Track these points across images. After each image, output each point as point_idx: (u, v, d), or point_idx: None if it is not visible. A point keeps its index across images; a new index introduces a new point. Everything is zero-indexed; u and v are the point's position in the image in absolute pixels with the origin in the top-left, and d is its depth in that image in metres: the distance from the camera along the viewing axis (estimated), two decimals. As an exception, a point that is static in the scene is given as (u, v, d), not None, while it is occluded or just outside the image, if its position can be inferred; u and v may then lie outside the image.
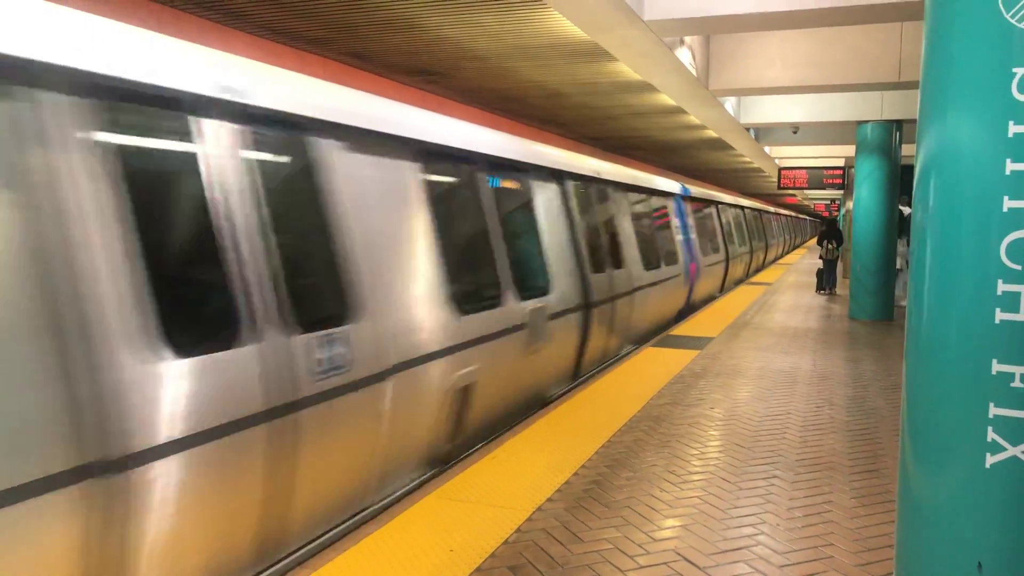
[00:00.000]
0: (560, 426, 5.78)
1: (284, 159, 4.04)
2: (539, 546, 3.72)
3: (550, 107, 12.17)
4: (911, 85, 10.28)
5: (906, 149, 13.20)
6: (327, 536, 4.16)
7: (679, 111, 12.62)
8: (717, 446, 5.36)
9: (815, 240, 30.31)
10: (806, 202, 44.30)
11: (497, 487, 4.49)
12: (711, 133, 15.35)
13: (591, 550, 3.69)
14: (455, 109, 11.44)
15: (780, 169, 18.80)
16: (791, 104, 13.67)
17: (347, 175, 4.43)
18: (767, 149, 19.27)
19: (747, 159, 21.26)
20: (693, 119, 13.39)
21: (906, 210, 16.24)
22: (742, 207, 22.56)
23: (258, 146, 3.80)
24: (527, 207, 7.16)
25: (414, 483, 4.99)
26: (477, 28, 7.30)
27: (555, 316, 7.07)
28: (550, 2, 6.18)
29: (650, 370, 7.98)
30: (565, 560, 3.58)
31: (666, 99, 11.44)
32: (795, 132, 16.83)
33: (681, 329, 11.01)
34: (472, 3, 6.49)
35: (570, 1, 6.21)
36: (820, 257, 17.26)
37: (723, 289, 17.95)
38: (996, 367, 2.27)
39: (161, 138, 3.32)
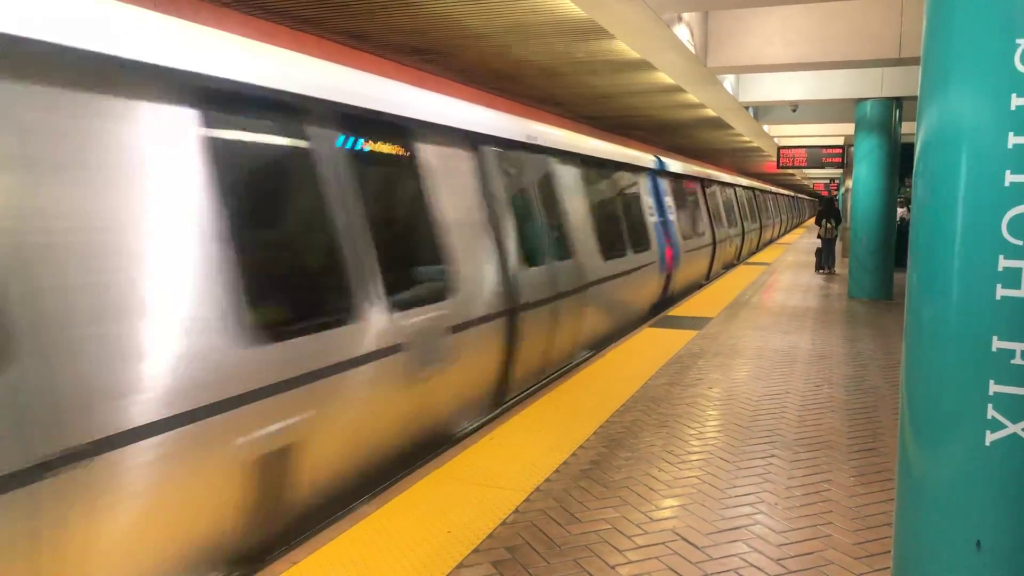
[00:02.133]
0: (558, 406, 5.77)
1: None
2: (537, 527, 3.72)
3: (547, 86, 12.07)
4: (911, 61, 10.19)
5: (906, 127, 13.10)
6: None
7: (677, 90, 12.53)
8: (715, 426, 5.36)
9: (813, 220, 29.70)
10: (804, 180, 43.66)
11: (495, 467, 4.48)
12: (710, 112, 15.25)
13: (589, 530, 3.68)
14: (452, 89, 11.34)
15: (779, 148, 18.74)
16: (790, 81, 13.55)
17: None
18: (766, 127, 19.17)
19: (746, 138, 21.15)
20: (691, 98, 13.30)
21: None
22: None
23: None
24: None
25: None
26: (474, 5, 7.21)
27: None
28: (546, -22, 6.10)
29: (648, 350, 7.97)
30: (563, 540, 3.57)
31: (664, 77, 11.34)
32: (794, 110, 16.73)
33: (679, 310, 10.99)
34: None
35: (566, -23, 6.13)
36: (818, 236, 17.24)
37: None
38: (997, 344, 2.25)
39: None
